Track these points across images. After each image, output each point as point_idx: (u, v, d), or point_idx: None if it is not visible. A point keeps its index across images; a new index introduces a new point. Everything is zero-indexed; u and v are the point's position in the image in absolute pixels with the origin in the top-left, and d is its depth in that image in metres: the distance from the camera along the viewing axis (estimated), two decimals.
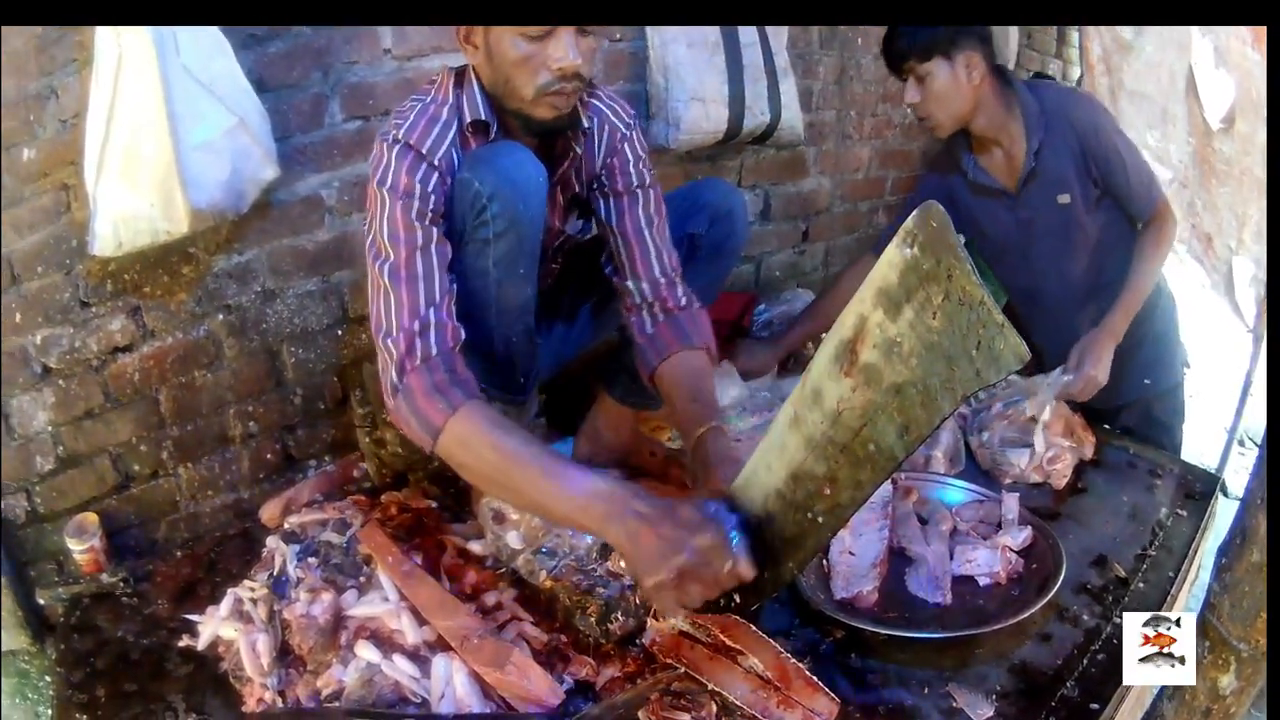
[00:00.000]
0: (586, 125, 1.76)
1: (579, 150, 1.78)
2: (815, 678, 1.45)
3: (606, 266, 1.89)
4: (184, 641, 1.70)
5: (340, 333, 2.28)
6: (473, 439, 1.45)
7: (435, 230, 1.59)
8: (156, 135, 1.69)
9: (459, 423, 1.45)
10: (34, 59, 1.71)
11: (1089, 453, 2.24)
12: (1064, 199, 2.41)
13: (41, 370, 1.88)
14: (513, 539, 1.73)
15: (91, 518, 1.95)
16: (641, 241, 1.82)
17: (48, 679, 1.89)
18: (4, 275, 1.78)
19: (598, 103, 1.80)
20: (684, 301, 1.83)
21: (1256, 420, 3.46)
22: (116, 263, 1.86)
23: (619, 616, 1.59)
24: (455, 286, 1.60)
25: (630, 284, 1.83)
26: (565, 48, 1.54)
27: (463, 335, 1.57)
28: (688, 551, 1.26)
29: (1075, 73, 4.18)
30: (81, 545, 1.90)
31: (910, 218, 1.10)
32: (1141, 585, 1.79)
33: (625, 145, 1.83)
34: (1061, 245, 2.50)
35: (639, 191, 1.83)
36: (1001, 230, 2.56)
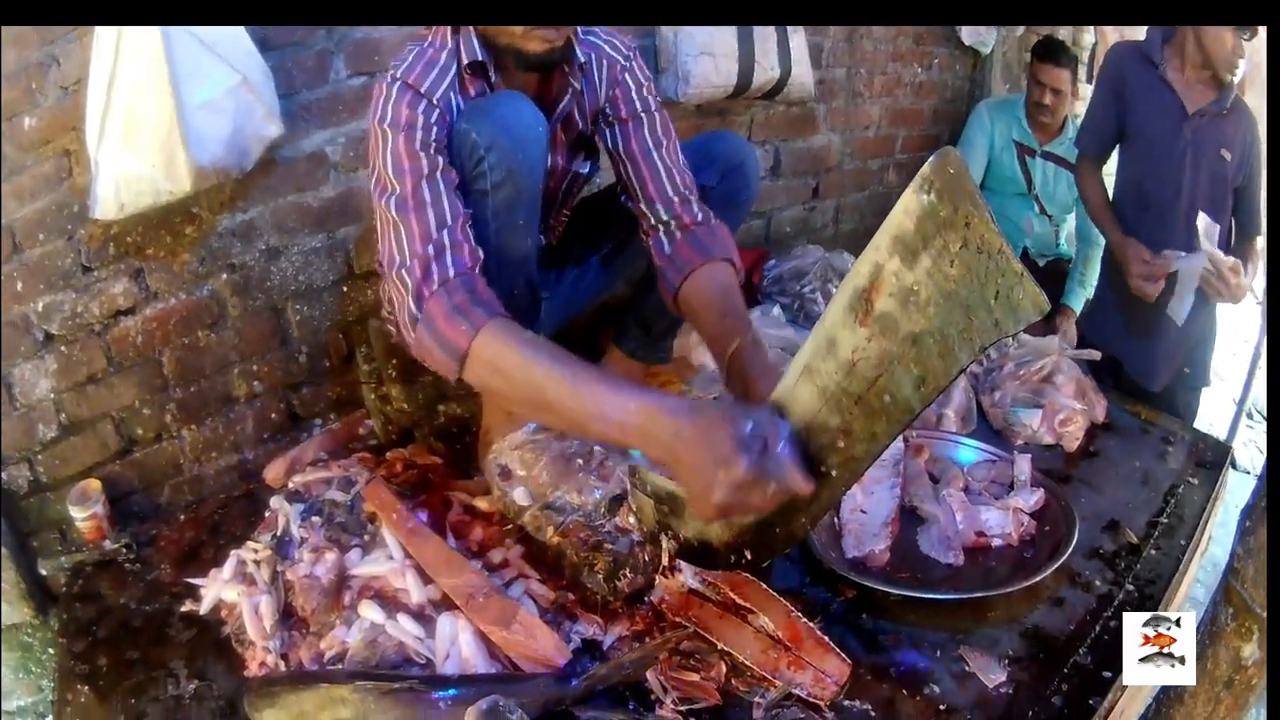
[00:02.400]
0: (583, 60, 1.73)
1: (578, 86, 1.75)
2: (826, 638, 1.44)
3: (622, 195, 1.85)
4: (186, 606, 1.69)
5: (345, 289, 2.27)
6: (500, 360, 1.37)
7: (440, 159, 1.54)
8: (158, 96, 1.68)
9: (484, 344, 1.38)
10: (35, 28, 1.70)
11: (1100, 415, 2.23)
12: (1226, 155, 2.57)
13: (43, 337, 1.87)
14: (520, 495, 1.69)
15: (94, 484, 1.95)
16: (650, 163, 1.78)
17: (50, 651, 1.89)
18: (5, 244, 1.77)
19: (593, 38, 1.77)
20: (700, 217, 1.77)
21: (1265, 392, 3.45)
22: (119, 225, 1.86)
23: (627, 573, 1.56)
24: (469, 210, 1.55)
25: (644, 207, 1.79)
26: None
27: (481, 254, 1.51)
28: (738, 469, 1.16)
29: (1088, 39, 4.13)
30: (84, 513, 1.90)
31: (927, 163, 1.06)
32: (1153, 552, 1.77)
33: (626, 75, 1.80)
34: (1193, 182, 2.61)
35: (644, 115, 1.80)
36: (1160, 127, 2.64)
